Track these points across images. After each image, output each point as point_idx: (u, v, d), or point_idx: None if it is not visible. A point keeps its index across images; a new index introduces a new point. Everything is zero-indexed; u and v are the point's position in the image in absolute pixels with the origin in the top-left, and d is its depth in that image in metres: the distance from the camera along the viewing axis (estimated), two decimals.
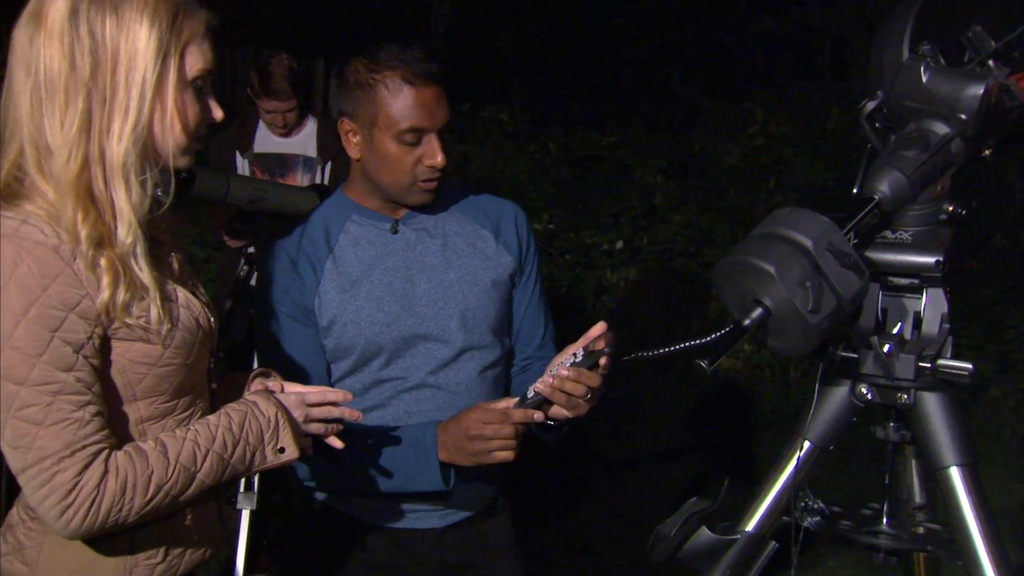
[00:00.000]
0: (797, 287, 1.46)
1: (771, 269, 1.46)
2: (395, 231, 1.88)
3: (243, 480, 2.61)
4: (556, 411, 1.72)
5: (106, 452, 1.31)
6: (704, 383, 5.16)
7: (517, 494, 2.00)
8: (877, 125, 1.68)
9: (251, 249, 2.77)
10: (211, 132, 1.46)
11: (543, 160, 6.93)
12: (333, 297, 1.84)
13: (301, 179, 3.59)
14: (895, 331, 1.67)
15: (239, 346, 2.70)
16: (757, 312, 1.49)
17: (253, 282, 2.75)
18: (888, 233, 1.67)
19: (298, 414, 1.49)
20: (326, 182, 3.54)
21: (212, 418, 1.41)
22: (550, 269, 5.81)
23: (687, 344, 1.56)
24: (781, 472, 1.72)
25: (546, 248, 5.84)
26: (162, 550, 1.42)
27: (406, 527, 1.90)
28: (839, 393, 1.71)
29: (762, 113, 7.15)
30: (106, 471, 1.29)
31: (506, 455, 1.72)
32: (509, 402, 1.74)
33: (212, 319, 1.46)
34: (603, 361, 1.69)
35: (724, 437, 4.76)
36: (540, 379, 1.71)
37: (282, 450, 1.43)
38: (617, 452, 4.60)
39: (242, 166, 3.60)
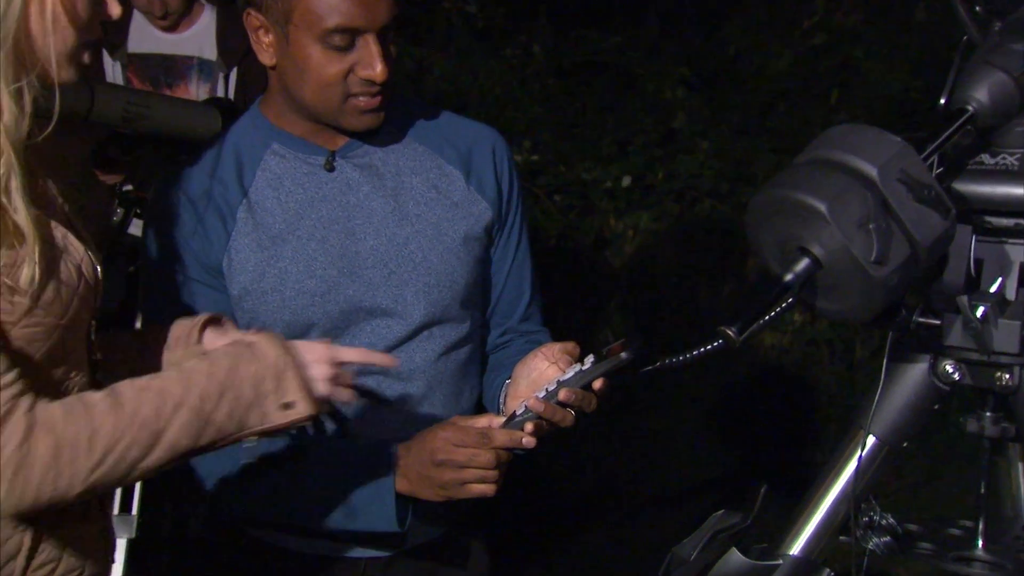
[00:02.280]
0: (856, 230, 1.47)
1: (821, 207, 1.48)
2: (330, 168, 1.89)
3: (119, 496, 2.65)
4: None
5: (27, 401, 1.33)
6: (735, 363, 5.22)
7: (497, 511, 2.04)
8: (976, 9, 1.68)
9: (128, 187, 2.77)
10: (105, 34, 1.47)
11: (524, 68, 6.91)
12: (248, 257, 1.85)
13: (196, 90, 3.57)
14: (993, 289, 1.68)
15: (114, 316, 2.70)
16: (803, 264, 1.51)
17: (133, 231, 2.75)
18: (986, 157, 1.67)
19: (321, 371, 1.52)
20: (231, 95, 3.52)
21: (191, 363, 1.45)
22: (534, 214, 5.82)
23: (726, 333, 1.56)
24: (837, 477, 1.75)
25: (529, 187, 5.85)
26: (22, 555, 1.44)
27: (342, 556, 1.94)
28: (915, 373, 1.73)
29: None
30: (31, 426, 1.32)
31: (483, 489, 1.76)
32: (491, 419, 1.78)
33: (98, 268, 1.48)
34: (598, 384, 1.74)
35: (764, 436, 4.83)
36: (537, 394, 1.74)
37: (289, 405, 1.47)
38: (627, 456, 4.65)
39: (113, 71, 3.56)
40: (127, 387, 1.40)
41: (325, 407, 1.55)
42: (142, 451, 1.38)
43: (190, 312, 1.78)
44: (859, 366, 5.27)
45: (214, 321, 1.64)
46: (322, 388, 1.52)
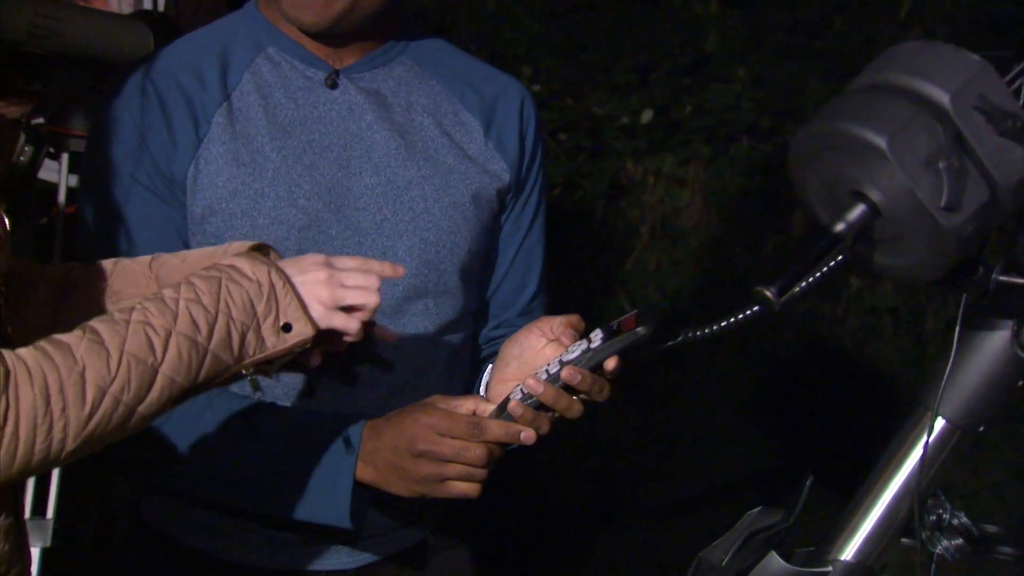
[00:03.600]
0: (923, 170, 1.47)
1: (881, 142, 1.48)
2: (332, 84, 1.93)
3: (31, 493, 2.64)
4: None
5: None
6: (778, 337, 5.23)
7: (487, 513, 2.05)
8: None
9: (38, 120, 2.75)
10: None
11: None
12: (220, 170, 1.88)
13: (118, 3, 3.56)
14: None
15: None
16: (857, 211, 1.52)
17: (48, 176, 2.74)
18: None
19: (319, 291, 1.56)
20: (160, 8, 3.51)
21: (168, 291, 1.48)
22: None
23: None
24: (899, 468, 1.75)
25: None
26: None
27: (296, 570, 1.95)
28: (994, 342, 1.72)
29: None
30: (8, 371, 1.34)
31: (467, 489, 1.77)
32: (478, 403, 1.79)
33: (5, 221, 1.50)
34: (611, 364, 1.73)
35: (812, 424, 4.85)
36: (534, 375, 1.74)
37: (287, 328, 1.52)
38: (646, 450, 4.67)
39: None
40: (101, 323, 1.43)
41: (340, 323, 1.57)
42: (138, 391, 1.41)
43: (130, 235, 1.82)
44: (930, 339, 5.29)
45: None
46: (321, 310, 1.56)
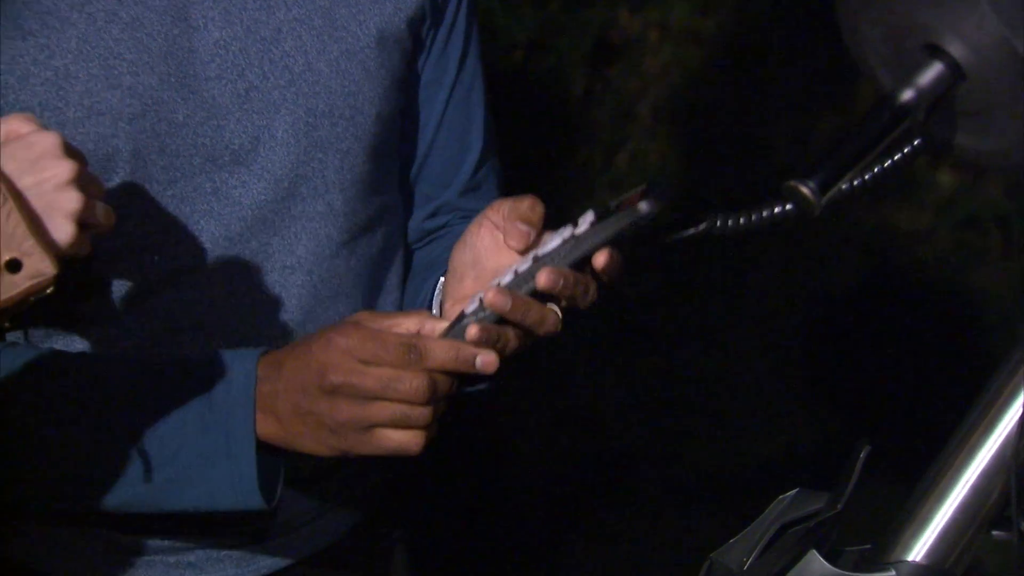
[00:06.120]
0: (1021, 13, 1.50)
1: None
2: None
3: None
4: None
5: None
6: (836, 259, 5.26)
7: (435, 503, 2.08)
8: None
9: None
10: None
11: None
12: None
13: None
14: None
15: None
16: (933, 70, 1.53)
17: None
18: None
19: (57, 174, 1.54)
20: None
21: None
22: (490, 4, 5.81)
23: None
24: (987, 435, 1.77)
25: None
26: None
27: None
28: None
29: None
30: None
31: (405, 439, 1.78)
32: (424, 320, 1.81)
33: None
34: (602, 259, 1.75)
35: (874, 378, 4.92)
36: (497, 281, 1.76)
37: (15, 265, 1.48)
38: (656, 412, 4.72)
39: None
40: None
41: (84, 244, 1.54)
42: None
43: None
44: None
45: None
46: (69, 229, 1.53)
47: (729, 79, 5.90)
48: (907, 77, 1.56)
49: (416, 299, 2.08)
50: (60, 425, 1.83)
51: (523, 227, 1.81)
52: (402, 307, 2.08)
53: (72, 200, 1.53)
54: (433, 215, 2.11)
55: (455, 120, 2.09)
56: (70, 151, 1.55)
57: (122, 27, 1.87)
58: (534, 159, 5.20)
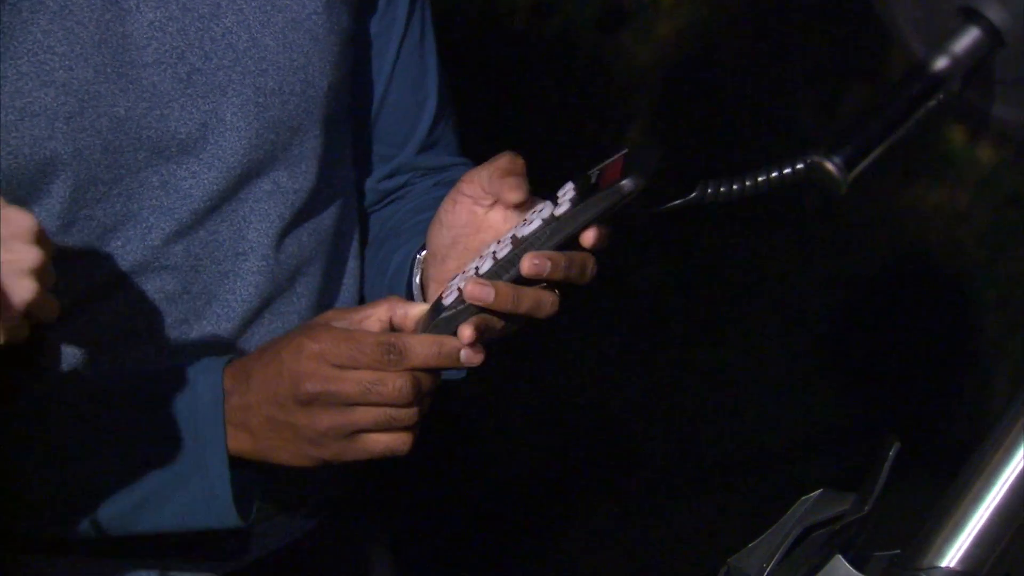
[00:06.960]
0: None
1: None
2: None
3: None
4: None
5: None
6: (862, 244, 5.26)
7: (412, 497, 2.09)
8: None
9: None
10: None
11: None
12: None
13: None
14: None
15: None
16: (969, 36, 1.54)
17: None
18: None
19: (22, 258, 1.56)
20: None
21: None
22: None
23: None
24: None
25: None
26: None
27: None
28: None
29: None
30: None
31: (392, 442, 1.81)
32: (394, 306, 1.84)
33: None
34: (589, 238, 1.77)
35: (905, 370, 4.95)
36: (474, 270, 1.78)
37: None
38: (666, 407, 4.72)
39: None
40: None
41: (23, 331, 1.56)
42: None
43: None
44: None
45: None
46: (12, 315, 1.55)
47: (748, 46, 5.90)
48: (941, 43, 1.55)
49: (377, 268, 2.10)
50: (15, 455, 1.86)
51: (514, 179, 1.82)
52: (361, 276, 2.08)
53: (27, 289, 1.55)
54: (391, 175, 2.13)
55: (407, 73, 2.12)
56: (41, 239, 1.57)
57: (50, 17, 1.86)
58: (538, 133, 5.21)
